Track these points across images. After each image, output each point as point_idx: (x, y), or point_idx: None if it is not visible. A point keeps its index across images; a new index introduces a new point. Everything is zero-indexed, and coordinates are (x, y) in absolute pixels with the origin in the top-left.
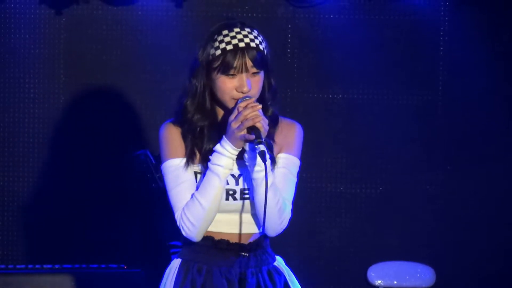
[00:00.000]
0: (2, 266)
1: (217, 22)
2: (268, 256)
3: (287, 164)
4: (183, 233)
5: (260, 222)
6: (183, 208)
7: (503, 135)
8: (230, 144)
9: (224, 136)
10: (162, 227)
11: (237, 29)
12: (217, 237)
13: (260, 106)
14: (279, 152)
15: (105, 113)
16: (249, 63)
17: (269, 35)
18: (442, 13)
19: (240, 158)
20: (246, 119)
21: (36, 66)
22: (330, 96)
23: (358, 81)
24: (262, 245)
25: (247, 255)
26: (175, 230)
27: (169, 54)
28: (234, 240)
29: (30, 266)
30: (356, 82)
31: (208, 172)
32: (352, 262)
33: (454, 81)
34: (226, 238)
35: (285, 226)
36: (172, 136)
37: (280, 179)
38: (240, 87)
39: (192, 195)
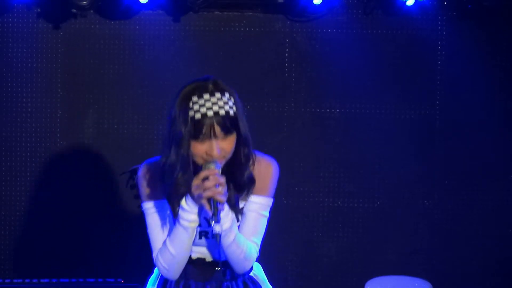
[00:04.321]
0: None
1: (214, 38)
2: None
3: (259, 207)
4: (160, 272)
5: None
6: (157, 253)
7: (501, 149)
8: (193, 203)
9: (188, 193)
10: None
11: (207, 96)
12: (194, 256)
13: (223, 180)
14: (253, 193)
15: (102, 127)
16: (218, 129)
17: (266, 49)
18: (439, 27)
19: None
20: (205, 190)
21: (34, 80)
22: (328, 110)
23: (356, 95)
24: None
25: (223, 269)
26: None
27: (167, 68)
28: (210, 258)
29: (27, 280)
30: (353, 96)
31: (177, 224)
32: (350, 276)
33: (452, 95)
34: (202, 257)
35: (251, 266)
36: (149, 180)
37: (250, 223)
38: (209, 151)
39: (164, 242)
